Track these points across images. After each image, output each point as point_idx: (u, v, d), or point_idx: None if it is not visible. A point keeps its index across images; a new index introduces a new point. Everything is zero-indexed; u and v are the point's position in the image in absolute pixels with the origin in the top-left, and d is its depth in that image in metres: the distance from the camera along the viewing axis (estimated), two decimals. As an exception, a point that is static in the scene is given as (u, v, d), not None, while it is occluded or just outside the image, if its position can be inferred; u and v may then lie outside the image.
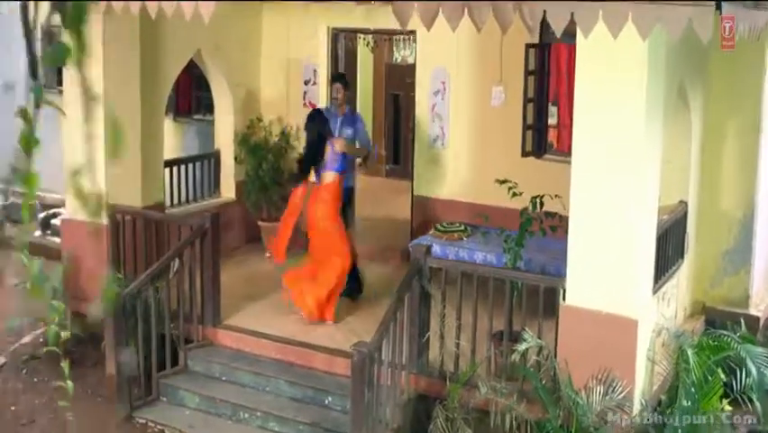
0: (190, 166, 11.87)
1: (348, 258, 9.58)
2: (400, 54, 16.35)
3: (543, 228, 8.49)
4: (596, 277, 7.54)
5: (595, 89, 7.42)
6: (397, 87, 15.87)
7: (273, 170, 11.94)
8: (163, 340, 9.06)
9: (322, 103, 12.12)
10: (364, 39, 12.68)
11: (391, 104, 16.03)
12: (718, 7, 6.47)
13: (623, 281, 7.48)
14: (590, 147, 7.52)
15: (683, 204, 9.28)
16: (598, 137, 7.46)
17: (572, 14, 6.80)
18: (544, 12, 6.93)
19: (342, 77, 10.56)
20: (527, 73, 10.54)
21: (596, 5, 6.68)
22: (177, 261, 9.20)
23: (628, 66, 7.24)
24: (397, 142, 16.16)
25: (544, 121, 10.85)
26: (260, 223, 12.13)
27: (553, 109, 11.08)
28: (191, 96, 13.86)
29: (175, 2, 8.25)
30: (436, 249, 9.26)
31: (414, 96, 11.91)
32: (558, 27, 6.93)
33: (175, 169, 11.56)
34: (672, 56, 7.82)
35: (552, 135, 11.18)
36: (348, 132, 10.18)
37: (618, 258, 7.47)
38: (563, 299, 7.70)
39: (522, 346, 7.65)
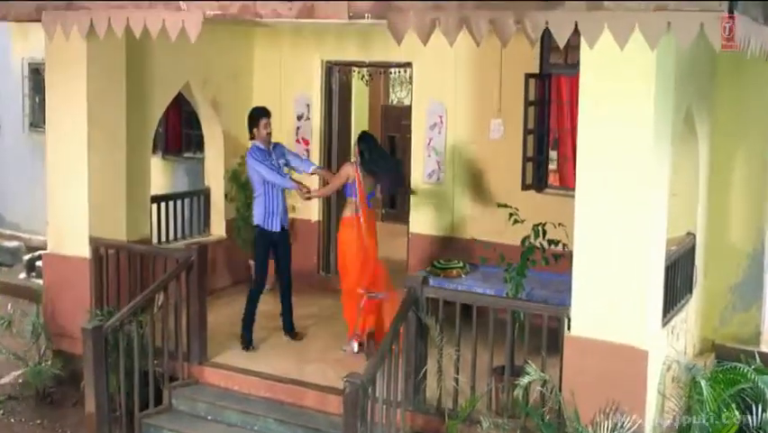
0: (179, 203, 11.49)
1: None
2: (396, 96, 16.09)
3: (545, 257, 8.08)
4: (603, 306, 7.10)
5: (600, 106, 7.02)
6: (394, 129, 15.55)
7: (264, 207, 11.55)
8: (146, 377, 8.59)
9: (315, 138, 11.81)
10: (359, 72, 12.34)
11: (387, 146, 15.66)
12: (731, 15, 6.13)
13: (631, 310, 7.03)
14: (595, 168, 7.12)
15: (691, 236, 8.89)
16: (604, 157, 7.06)
17: (576, 24, 6.49)
18: (547, 23, 6.60)
19: (268, 110, 9.85)
20: (527, 104, 10.19)
21: (601, 14, 6.35)
22: (161, 294, 8.77)
23: (635, 82, 6.86)
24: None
25: (545, 153, 10.48)
26: (250, 262, 11.68)
27: (552, 153, 10.75)
28: (181, 134, 13.54)
29: (161, 19, 7.88)
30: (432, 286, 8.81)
31: (410, 138, 11.56)
32: (561, 38, 6.60)
33: (163, 205, 11.19)
34: (679, 78, 7.47)
35: (552, 178, 10.78)
36: (282, 161, 9.81)
37: (626, 286, 7.03)
38: (568, 329, 7.27)
39: (524, 380, 7.21)
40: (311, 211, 11.87)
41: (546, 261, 8.06)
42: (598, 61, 6.87)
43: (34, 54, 13.62)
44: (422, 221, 11.18)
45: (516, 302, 7.79)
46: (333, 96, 11.85)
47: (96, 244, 9.45)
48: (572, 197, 7.39)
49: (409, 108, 14.99)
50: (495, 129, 10.58)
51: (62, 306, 9.67)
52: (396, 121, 15.42)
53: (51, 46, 9.32)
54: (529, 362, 7.28)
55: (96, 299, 9.46)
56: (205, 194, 11.79)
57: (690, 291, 8.86)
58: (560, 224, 8.25)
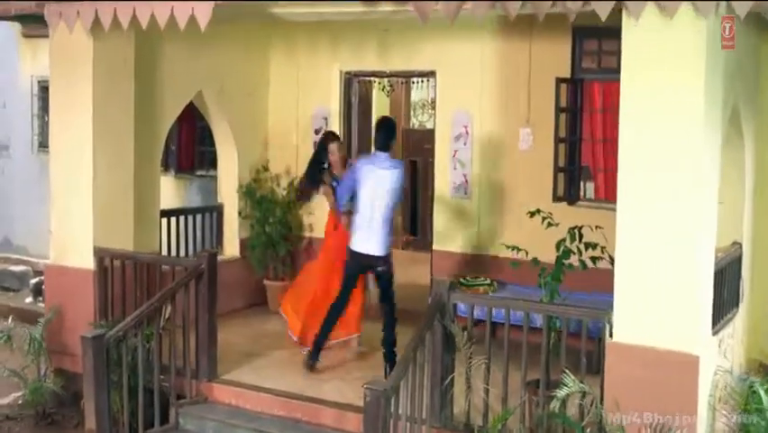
0: (190, 220, 10.90)
1: None
2: (417, 119, 15.58)
3: (582, 261, 7.45)
4: (649, 310, 6.45)
5: (644, 101, 6.41)
6: (415, 153, 14.99)
7: (281, 224, 10.98)
8: (151, 395, 7.96)
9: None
10: (380, 83, 11.84)
11: (409, 171, 15.08)
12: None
13: (680, 314, 6.38)
14: (639, 161, 6.48)
15: (737, 245, 8.25)
16: (648, 148, 6.43)
17: (620, -5, 5.96)
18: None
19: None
20: (558, 110, 9.64)
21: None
22: (169, 306, 8.18)
23: (683, 74, 6.25)
24: (415, 211, 15.21)
25: (577, 163, 9.88)
26: (266, 282, 11.14)
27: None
28: (194, 152, 13.00)
29: (169, 7, 7.39)
30: (459, 305, 8.09)
31: (433, 162, 10.99)
32: (603, 11, 6.07)
33: (173, 220, 10.60)
34: (727, 72, 6.87)
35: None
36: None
37: (675, 288, 6.37)
38: (610, 335, 6.63)
39: (562, 392, 6.56)
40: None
41: (584, 265, 7.44)
42: (641, 53, 6.37)
43: (44, 72, 13.09)
44: (446, 237, 10.59)
45: (551, 306, 7.11)
46: (353, 109, 11.29)
47: (100, 254, 8.88)
48: (606, 209, 6.85)
49: (431, 132, 14.44)
50: (524, 139, 10.03)
51: (64, 321, 9.06)
52: (418, 145, 14.88)
53: (55, 43, 8.87)
54: (567, 371, 6.64)
55: (101, 313, 8.85)
56: (218, 211, 11.20)
57: (737, 305, 8.21)
58: (597, 226, 7.67)
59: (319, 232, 11.19)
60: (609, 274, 6.69)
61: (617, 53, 9.56)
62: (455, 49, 10.28)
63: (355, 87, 11.24)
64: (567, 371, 6.64)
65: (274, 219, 10.97)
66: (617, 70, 9.53)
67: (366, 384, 6.29)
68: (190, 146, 12.95)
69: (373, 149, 8.95)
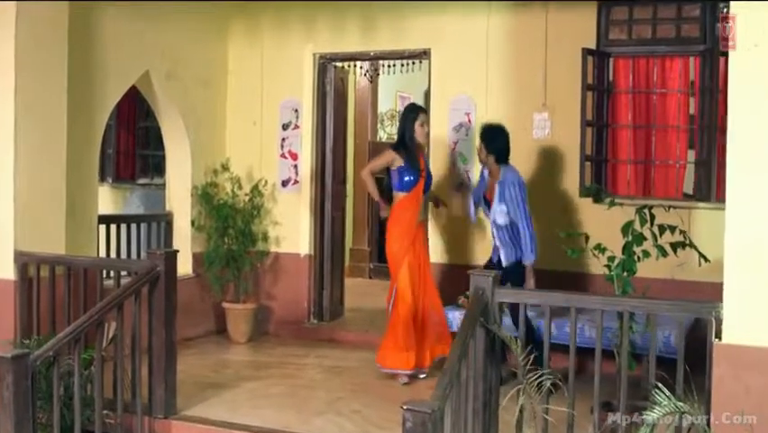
0: (134, 230, 9.06)
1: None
2: (385, 131, 13.91)
3: (660, 246, 5.79)
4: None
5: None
6: (382, 170, 13.19)
7: (243, 236, 9.16)
8: (91, 436, 6.09)
9: (306, 151, 9.48)
10: (361, 68, 10.13)
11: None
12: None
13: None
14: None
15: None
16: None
17: None
18: None
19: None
20: (585, 87, 8.04)
21: None
22: (114, 321, 6.30)
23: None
24: (382, 235, 13.38)
25: (604, 153, 8.26)
26: (225, 305, 9.26)
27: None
28: (135, 157, 11.14)
29: None
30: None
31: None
32: None
33: (113, 229, 8.75)
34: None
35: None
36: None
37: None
38: (718, 337, 4.93)
39: (654, 414, 4.81)
40: (298, 243, 9.50)
41: (663, 250, 5.77)
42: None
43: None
44: (443, 248, 8.87)
45: (634, 301, 5.35)
46: (328, 99, 9.52)
47: (23, 260, 6.99)
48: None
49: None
50: (539, 126, 8.41)
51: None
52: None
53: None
54: (660, 386, 4.91)
55: (24, 337, 6.93)
56: (167, 220, 9.32)
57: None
58: (670, 207, 6.06)
59: (288, 246, 9.49)
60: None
61: (652, 22, 8.17)
62: (455, 22, 8.71)
63: (330, 74, 9.49)
64: (660, 385, 4.93)
65: (235, 230, 9.15)
66: (653, 42, 8.07)
67: (405, 404, 4.48)
68: (130, 150, 11.11)
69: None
